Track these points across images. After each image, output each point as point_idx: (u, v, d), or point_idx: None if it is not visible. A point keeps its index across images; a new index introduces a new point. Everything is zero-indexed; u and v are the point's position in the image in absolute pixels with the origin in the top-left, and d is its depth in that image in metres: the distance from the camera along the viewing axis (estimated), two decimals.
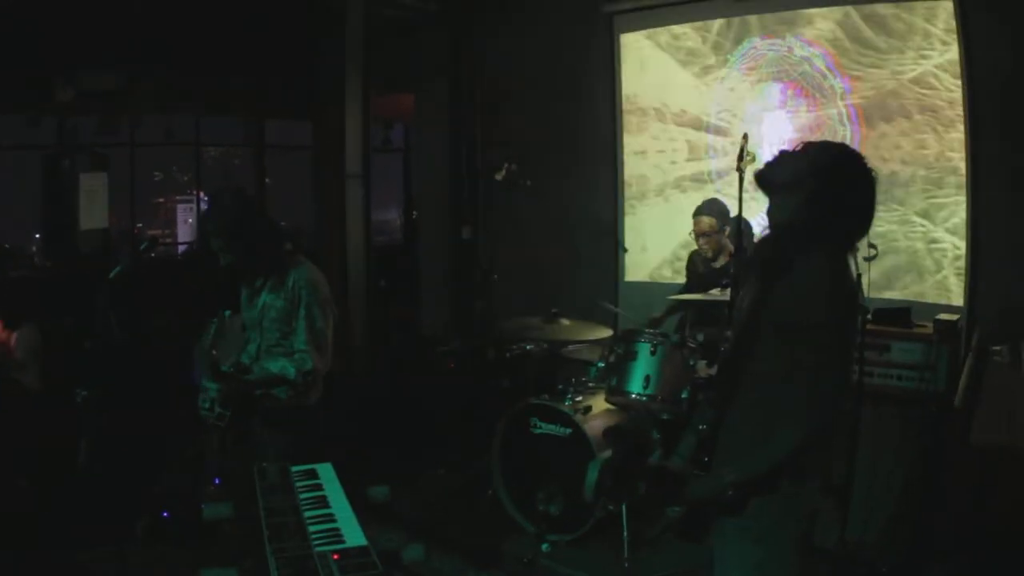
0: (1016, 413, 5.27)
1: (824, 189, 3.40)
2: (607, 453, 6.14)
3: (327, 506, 3.70)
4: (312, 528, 3.44)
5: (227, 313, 5.68)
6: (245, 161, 16.92)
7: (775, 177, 3.56)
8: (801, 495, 3.41)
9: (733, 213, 7.08)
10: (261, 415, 5.39)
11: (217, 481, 6.06)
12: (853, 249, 3.53)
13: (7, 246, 13.68)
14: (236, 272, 5.55)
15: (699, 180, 8.92)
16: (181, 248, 20.99)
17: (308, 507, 3.67)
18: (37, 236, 12.21)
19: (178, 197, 27.35)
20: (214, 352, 5.43)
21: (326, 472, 4.13)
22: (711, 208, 7.44)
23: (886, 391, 6.14)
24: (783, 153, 3.58)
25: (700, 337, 6.65)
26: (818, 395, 3.26)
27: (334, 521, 3.53)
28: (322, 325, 5.38)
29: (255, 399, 5.38)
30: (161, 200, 28.13)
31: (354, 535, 3.40)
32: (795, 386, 3.27)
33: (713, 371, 6.38)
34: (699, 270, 7.63)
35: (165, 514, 6.72)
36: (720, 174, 8.72)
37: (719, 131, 8.70)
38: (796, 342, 3.28)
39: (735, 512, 3.41)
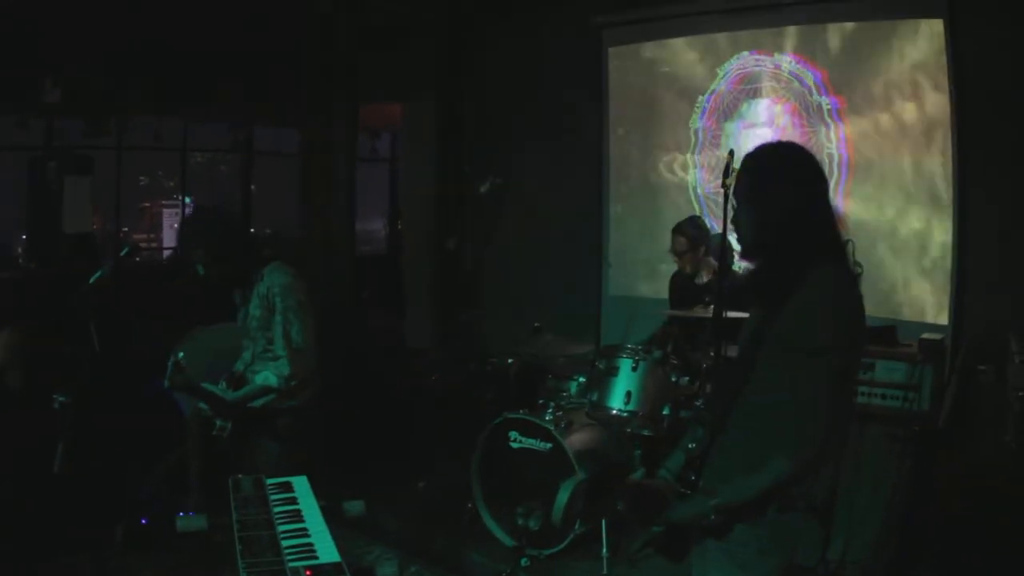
0: (1001, 433, 5.26)
1: (777, 198, 3.31)
2: (581, 475, 6.14)
3: (301, 520, 3.66)
4: (285, 543, 3.40)
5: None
6: (232, 167, 16.88)
7: (747, 239, 3.49)
8: (789, 522, 3.31)
9: (718, 229, 7.08)
10: (256, 422, 5.39)
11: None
12: (851, 258, 3.39)
13: None
14: (216, 284, 5.57)
15: (683, 196, 8.91)
16: (166, 253, 20.89)
17: (282, 521, 3.63)
18: (24, 237, 12.15)
19: (164, 202, 27.25)
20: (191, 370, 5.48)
21: (301, 485, 4.09)
22: (686, 227, 7.43)
23: (870, 410, 6.10)
24: (734, 212, 3.54)
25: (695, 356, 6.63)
26: (813, 426, 3.12)
27: (308, 536, 3.49)
28: (299, 328, 5.38)
29: (249, 411, 5.38)
30: (147, 204, 28.04)
31: (328, 551, 3.36)
32: (791, 414, 3.15)
33: (695, 388, 6.38)
34: (680, 287, 7.60)
35: (144, 520, 6.69)
36: (705, 190, 8.71)
37: (705, 147, 8.70)
38: (797, 367, 3.15)
39: (718, 536, 3.35)
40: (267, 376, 5.32)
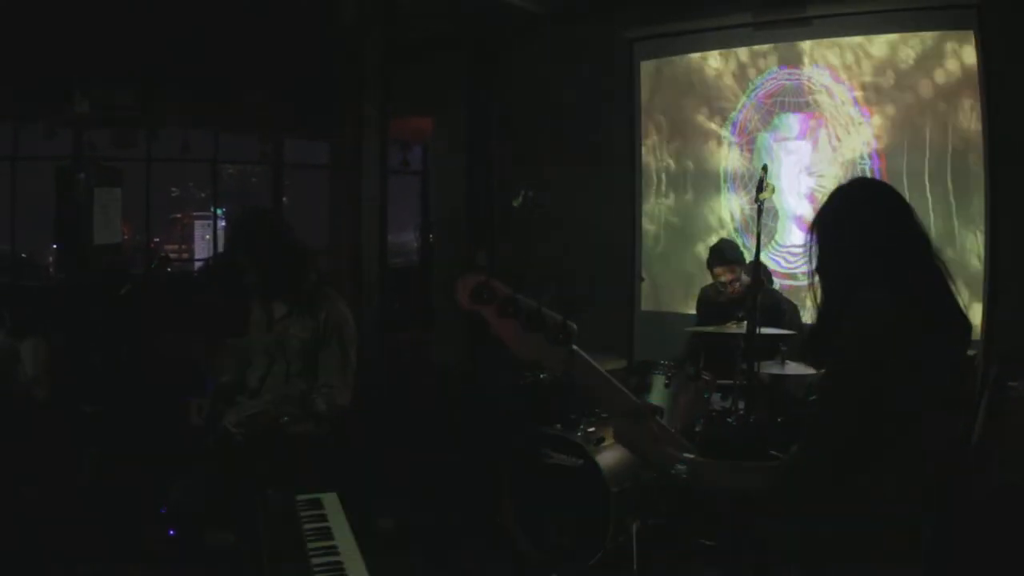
0: None
1: (835, 232, 3.07)
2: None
3: (331, 538, 3.64)
4: (314, 561, 3.38)
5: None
6: (263, 179, 16.94)
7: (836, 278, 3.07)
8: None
9: (752, 242, 7.01)
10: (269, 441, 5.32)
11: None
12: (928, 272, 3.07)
13: (23, 255, 13.73)
14: (259, 293, 5.50)
15: (716, 209, 8.89)
16: (197, 264, 20.97)
17: (311, 539, 3.61)
18: (55, 247, 12.22)
19: (195, 213, 27.37)
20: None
21: (331, 502, 4.06)
22: (729, 256, 7.25)
23: None
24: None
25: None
26: (810, 447, 2.76)
27: (337, 554, 3.47)
28: (353, 361, 5.37)
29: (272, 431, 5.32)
30: (179, 215, 28.16)
31: (357, 569, 3.34)
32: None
33: (728, 405, 6.34)
34: (716, 300, 7.49)
35: (171, 532, 6.67)
36: (739, 203, 8.67)
37: (738, 160, 8.66)
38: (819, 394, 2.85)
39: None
40: (315, 402, 5.26)
